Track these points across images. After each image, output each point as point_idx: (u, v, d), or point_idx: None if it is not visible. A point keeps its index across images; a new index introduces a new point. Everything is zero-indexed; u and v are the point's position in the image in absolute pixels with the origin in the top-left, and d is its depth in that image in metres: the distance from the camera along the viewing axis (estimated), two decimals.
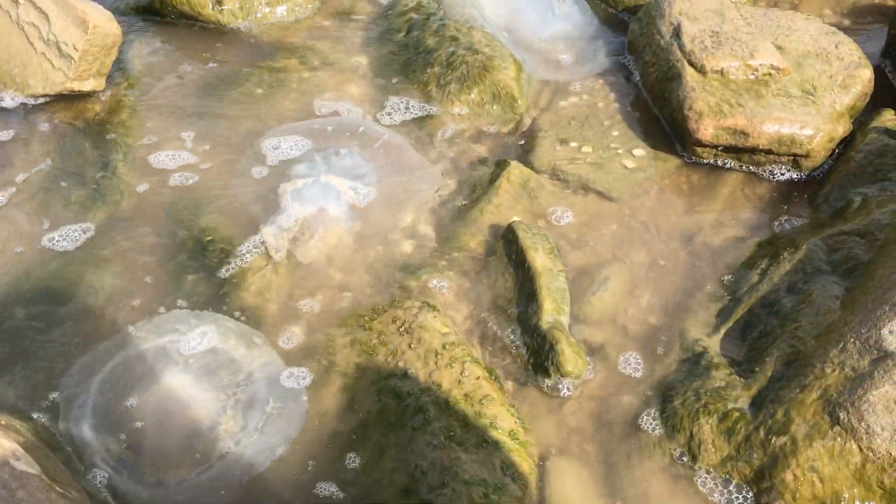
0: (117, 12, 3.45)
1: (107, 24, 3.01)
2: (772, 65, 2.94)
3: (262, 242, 2.65)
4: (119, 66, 3.21)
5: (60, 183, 2.85)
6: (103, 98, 3.11)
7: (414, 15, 3.55)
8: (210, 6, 3.43)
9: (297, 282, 2.60)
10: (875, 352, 2.00)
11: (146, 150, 2.96)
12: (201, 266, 2.61)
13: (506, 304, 2.55)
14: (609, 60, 3.39)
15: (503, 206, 2.81)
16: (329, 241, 2.71)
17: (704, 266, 2.67)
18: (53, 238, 2.68)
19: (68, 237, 2.68)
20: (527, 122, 3.15)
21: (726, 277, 2.61)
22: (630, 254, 2.71)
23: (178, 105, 3.17)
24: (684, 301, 2.57)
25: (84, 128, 3.02)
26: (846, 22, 3.61)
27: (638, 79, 3.27)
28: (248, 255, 2.63)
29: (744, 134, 2.81)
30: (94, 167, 2.90)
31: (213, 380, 2.32)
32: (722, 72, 2.93)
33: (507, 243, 2.65)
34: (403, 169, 2.98)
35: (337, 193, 2.83)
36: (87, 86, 3.04)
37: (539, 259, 2.54)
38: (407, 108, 3.19)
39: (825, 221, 2.68)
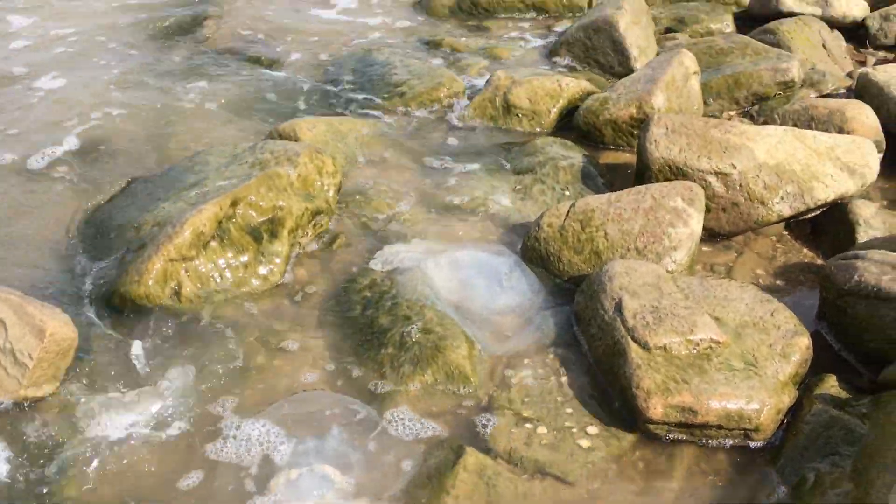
0: (77, 309, 3.52)
1: (63, 329, 3.07)
2: (711, 338, 3.05)
3: None
4: (75, 365, 3.23)
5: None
6: (57, 400, 3.10)
7: (368, 293, 3.67)
8: (168, 295, 3.52)
9: None
10: None
11: (96, 442, 2.93)
12: None
13: None
14: (559, 332, 3.49)
15: (460, 497, 2.77)
16: None
17: None
18: None
19: None
20: (481, 401, 3.18)
21: None
22: None
23: (133, 395, 3.17)
24: None
25: (35, 429, 3.00)
26: (779, 282, 3.79)
27: (587, 350, 3.36)
28: None
29: (692, 411, 2.85)
30: (45, 467, 2.86)
31: None
32: (665, 347, 3.03)
33: None
34: (351, 452, 2.96)
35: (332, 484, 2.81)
36: (41, 391, 3.05)
37: None
38: (359, 391, 3.22)
39: (783, 500, 2.67)
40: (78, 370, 3.24)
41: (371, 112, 5.28)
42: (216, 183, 4.03)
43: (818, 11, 5.91)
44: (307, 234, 4.06)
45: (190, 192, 4.01)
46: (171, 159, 4.64)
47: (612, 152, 4.86)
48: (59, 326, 3.05)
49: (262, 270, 3.78)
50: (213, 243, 3.68)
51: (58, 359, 3.07)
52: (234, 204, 3.77)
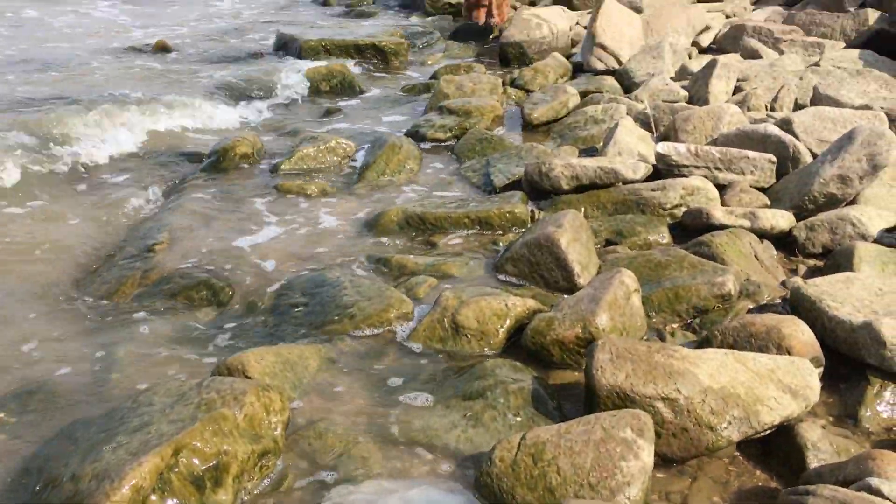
0: None
1: None
2: None
3: None
4: None
5: None
6: None
7: None
8: None
9: None
10: None
11: None
12: None
13: None
14: None
15: None
16: None
17: None
18: None
19: None
20: None
21: None
22: None
23: None
24: None
25: None
26: None
27: None
28: None
29: None
30: None
31: None
32: None
33: None
34: None
35: None
36: None
37: None
38: None
39: None
40: None
41: (321, 337, 5.29)
42: (160, 427, 3.93)
43: (747, 224, 6.22)
44: (253, 477, 3.93)
45: (133, 438, 3.89)
46: (116, 398, 4.55)
47: (562, 372, 4.90)
48: None
49: None
50: (154, 497, 3.54)
51: None
52: (176, 452, 3.67)
